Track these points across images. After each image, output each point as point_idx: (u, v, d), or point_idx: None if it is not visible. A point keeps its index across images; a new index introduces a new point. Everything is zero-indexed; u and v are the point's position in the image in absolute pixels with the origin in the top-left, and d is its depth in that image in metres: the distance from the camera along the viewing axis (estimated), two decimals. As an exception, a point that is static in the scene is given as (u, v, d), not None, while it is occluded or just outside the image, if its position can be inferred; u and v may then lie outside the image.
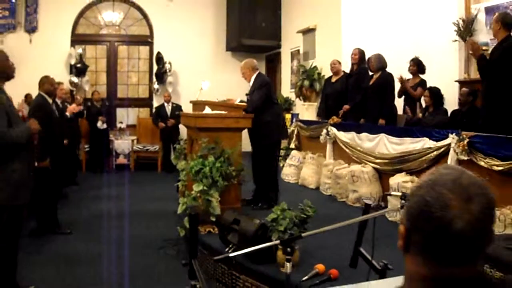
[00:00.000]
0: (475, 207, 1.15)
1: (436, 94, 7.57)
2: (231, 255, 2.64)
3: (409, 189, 1.31)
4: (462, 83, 8.19)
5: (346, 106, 8.91)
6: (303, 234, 2.45)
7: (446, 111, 7.61)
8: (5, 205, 4.42)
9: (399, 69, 8.33)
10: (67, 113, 9.15)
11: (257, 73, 7.28)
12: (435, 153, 6.11)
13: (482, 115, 6.34)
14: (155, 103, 14.30)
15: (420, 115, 7.82)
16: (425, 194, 1.19)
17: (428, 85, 7.96)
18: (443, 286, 1.17)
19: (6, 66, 4.75)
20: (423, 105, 7.94)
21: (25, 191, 4.69)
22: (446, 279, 1.18)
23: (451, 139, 5.79)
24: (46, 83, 7.00)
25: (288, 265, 2.59)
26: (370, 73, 8.58)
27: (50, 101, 7.08)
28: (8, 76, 4.78)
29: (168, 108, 12.94)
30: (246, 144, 7.04)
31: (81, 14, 14.16)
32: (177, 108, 12.68)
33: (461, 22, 8.41)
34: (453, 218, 1.14)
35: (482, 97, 6.58)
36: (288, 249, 2.54)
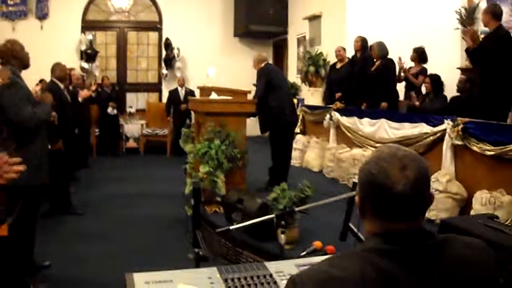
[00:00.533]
0: (409, 173, 1.47)
1: (436, 81, 7.76)
2: (231, 227, 2.89)
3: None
4: (463, 71, 8.33)
5: (338, 94, 9.20)
6: (296, 209, 2.71)
7: (445, 97, 7.80)
8: (25, 185, 4.59)
9: (402, 56, 8.51)
10: (79, 98, 9.39)
11: (263, 64, 7.54)
12: (431, 138, 6.30)
13: (476, 102, 6.59)
14: (164, 88, 14.53)
15: (417, 103, 8.02)
16: (370, 168, 1.52)
17: (429, 72, 8.16)
18: (392, 237, 1.47)
19: (23, 55, 4.95)
20: (424, 92, 8.15)
21: (43, 172, 4.91)
22: (393, 232, 1.48)
23: (447, 124, 5.98)
24: (57, 69, 7.24)
25: (282, 237, 2.84)
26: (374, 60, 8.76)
27: (62, 86, 7.32)
28: (24, 65, 4.99)
29: (182, 93, 13.05)
30: (251, 129, 7.27)
31: (91, 1, 14.37)
32: (190, 93, 12.76)
33: (463, 11, 8.54)
34: (393, 183, 1.46)
35: (476, 85, 6.81)
36: (282, 222, 2.79)
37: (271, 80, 7.33)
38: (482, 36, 6.92)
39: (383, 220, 1.50)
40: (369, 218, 1.55)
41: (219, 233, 3.48)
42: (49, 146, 6.90)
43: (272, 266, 2.37)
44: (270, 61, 15.08)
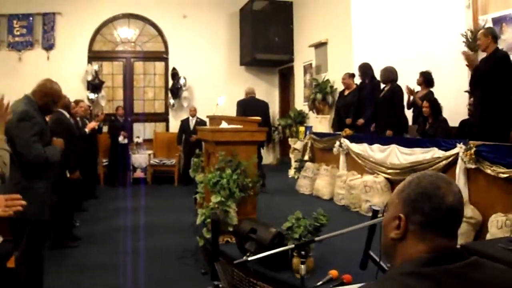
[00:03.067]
0: (455, 188, 1.53)
1: (434, 105, 7.74)
2: (249, 259, 2.83)
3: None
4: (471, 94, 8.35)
5: (361, 121, 9.11)
6: (316, 238, 2.65)
7: (445, 120, 7.78)
8: (32, 220, 4.58)
9: (410, 81, 8.51)
10: (86, 129, 9.38)
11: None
12: (444, 162, 6.25)
13: (476, 124, 6.58)
14: (171, 118, 14.54)
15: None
16: (420, 182, 1.55)
17: (437, 96, 8.13)
18: (432, 259, 1.46)
19: (51, 105, 4.93)
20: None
21: (47, 207, 4.88)
22: (441, 250, 1.48)
23: (459, 148, 5.94)
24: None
25: (302, 267, 2.78)
26: (382, 85, 8.76)
27: (68, 116, 7.31)
28: (45, 112, 4.97)
29: (192, 122, 12.99)
30: (265, 156, 7.22)
31: (97, 31, 14.48)
32: (200, 123, 12.59)
33: (469, 33, 8.56)
34: (445, 194, 1.50)
35: (474, 106, 6.81)
36: (302, 252, 2.73)
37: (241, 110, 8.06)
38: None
39: (433, 233, 1.51)
40: (413, 238, 1.53)
41: (235, 264, 3.40)
42: (68, 175, 6.92)
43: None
44: (276, 90, 15.23)
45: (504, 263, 3.24)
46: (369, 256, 3.19)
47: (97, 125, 10.36)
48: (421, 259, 1.47)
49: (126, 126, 13.04)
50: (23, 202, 2.17)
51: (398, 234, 1.54)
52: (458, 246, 2.95)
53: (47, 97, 4.74)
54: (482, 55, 6.98)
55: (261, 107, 9.53)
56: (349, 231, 2.62)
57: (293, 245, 2.81)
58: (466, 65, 6.86)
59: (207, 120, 9.54)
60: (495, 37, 6.37)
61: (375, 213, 3.18)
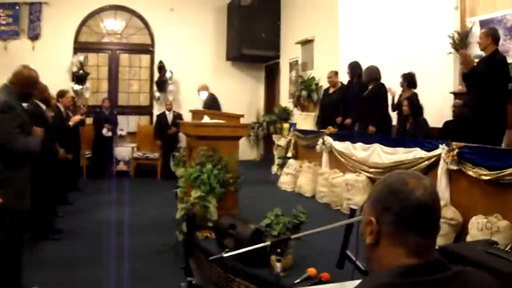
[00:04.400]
0: (426, 182, 1.46)
1: (414, 104, 7.74)
2: (225, 255, 2.79)
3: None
4: (456, 95, 8.32)
5: (348, 121, 9.08)
6: (292, 236, 2.62)
7: (425, 120, 7.80)
8: (9, 210, 4.54)
9: (395, 81, 8.51)
10: (70, 123, 9.30)
11: None
12: (426, 163, 6.25)
13: (471, 125, 6.56)
14: (156, 111, 14.44)
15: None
16: (386, 181, 1.51)
17: (421, 97, 8.14)
18: (409, 270, 1.39)
19: (30, 93, 4.85)
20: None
21: (27, 198, 4.82)
22: (418, 252, 1.42)
23: (441, 149, 5.94)
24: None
25: (278, 265, 2.75)
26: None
27: (44, 107, 7.20)
28: (24, 100, 4.89)
29: (170, 117, 13.08)
30: (242, 153, 7.19)
31: (83, 22, 14.36)
32: (178, 116, 12.83)
33: (456, 35, 8.54)
34: (412, 189, 1.43)
35: (469, 108, 6.80)
36: (278, 250, 2.70)
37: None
38: (476, 60, 6.94)
39: (406, 234, 1.43)
40: (387, 240, 1.46)
41: (211, 260, 3.36)
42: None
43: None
44: (262, 86, 15.23)
45: (483, 266, 3.24)
46: (345, 255, 3.17)
47: (80, 119, 10.28)
48: (399, 268, 1.39)
49: (111, 119, 12.96)
50: None
51: (372, 239, 1.48)
52: (437, 247, 2.94)
53: (25, 85, 4.67)
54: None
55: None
56: (326, 229, 2.60)
57: (269, 243, 2.77)
58: (461, 63, 6.82)
59: (186, 114, 9.52)
60: (495, 39, 6.32)
61: (352, 212, 3.16)
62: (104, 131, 12.62)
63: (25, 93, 4.72)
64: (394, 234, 1.44)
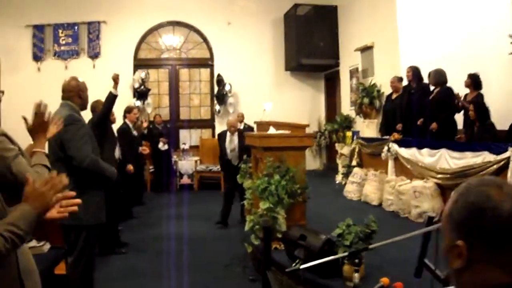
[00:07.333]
0: (508, 189, 1.30)
1: (480, 108, 7.54)
2: (301, 267, 2.77)
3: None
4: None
5: (434, 126, 8.71)
6: (370, 246, 2.58)
7: (492, 124, 7.56)
8: (87, 224, 4.59)
9: (457, 84, 8.34)
10: (143, 152, 9.62)
11: None
12: (495, 166, 6.11)
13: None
14: (217, 124, 14.58)
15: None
16: (465, 199, 1.34)
17: (485, 99, 7.95)
18: None
19: (86, 97, 4.90)
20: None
21: (103, 211, 4.89)
22: None
23: (511, 152, 5.81)
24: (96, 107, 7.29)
25: (356, 275, 2.72)
26: (432, 88, 8.62)
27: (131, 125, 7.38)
28: (84, 107, 4.96)
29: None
30: (311, 162, 7.13)
31: (142, 39, 14.64)
32: (248, 129, 12.63)
33: (516, 35, 8.34)
34: (499, 202, 1.27)
35: None
36: (356, 260, 2.67)
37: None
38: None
39: (505, 254, 1.27)
40: (481, 263, 1.31)
41: (287, 272, 3.33)
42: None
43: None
44: (322, 94, 15.20)
45: None
46: (423, 264, 3.11)
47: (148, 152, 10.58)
48: None
49: (164, 133, 13.10)
50: (78, 201, 2.12)
51: (461, 263, 1.33)
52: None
53: (79, 93, 4.73)
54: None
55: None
56: (404, 238, 2.54)
57: (346, 253, 2.73)
58: None
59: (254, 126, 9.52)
60: None
61: (430, 220, 3.10)
62: (160, 145, 12.77)
63: (82, 102, 4.80)
64: (488, 256, 1.29)
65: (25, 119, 3.17)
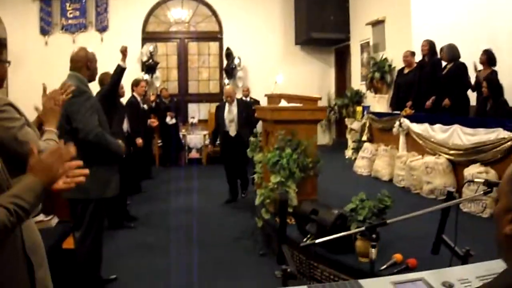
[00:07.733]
0: None
1: (494, 85, 7.43)
2: (316, 241, 2.70)
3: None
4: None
5: (447, 102, 8.42)
6: (388, 221, 2.49)
7: (506, 101, 7.47)
8: (94, 198, 4.56)
9: (471, 60, 8.22)
10: (152, 124, 9.56)
11: None
12: (509, 143, 6.00)
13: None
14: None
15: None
16: None
17: (500, 76, 7.83)
18: None
19: (94, 68, 4.82)
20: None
21: (114, 184, 4.83)
22: None
23: (525, 129, 5.72)
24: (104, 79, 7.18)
25: (373, 251, 2.64)
26: (444, 63, 8.50)
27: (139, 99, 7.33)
28: (93, 78, 4.87)
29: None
30: (321, 137, 7.06)
31: (150, 12, 14.54)
32: (254, 102, 12.67)
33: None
34: None
35: None
36: (373, 236, 2.59)
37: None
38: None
39: None
40: None
41: (301, 247, 3.25)
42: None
43: (367, 284, 2.18)
44: (332, 69, 15.05)
45: None
46: (442, 241, 3.04)
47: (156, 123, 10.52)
48: None
49: (171, 107, 13.04)
50: (86, 171, 2.04)
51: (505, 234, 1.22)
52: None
53: (88, 64, 4.65)
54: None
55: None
56: (423, 213, 2.46)
57: (363, 228, 2.65)
58: None
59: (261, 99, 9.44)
60: None
61: (449, 195, 3.02)
62: (168, 119, 12.77)
63: (91, 73, 4.72)
64: None
65: (37, 109, 3.16)
